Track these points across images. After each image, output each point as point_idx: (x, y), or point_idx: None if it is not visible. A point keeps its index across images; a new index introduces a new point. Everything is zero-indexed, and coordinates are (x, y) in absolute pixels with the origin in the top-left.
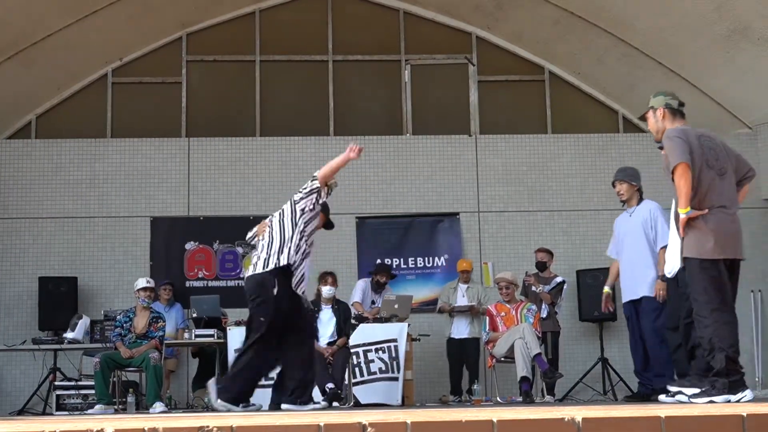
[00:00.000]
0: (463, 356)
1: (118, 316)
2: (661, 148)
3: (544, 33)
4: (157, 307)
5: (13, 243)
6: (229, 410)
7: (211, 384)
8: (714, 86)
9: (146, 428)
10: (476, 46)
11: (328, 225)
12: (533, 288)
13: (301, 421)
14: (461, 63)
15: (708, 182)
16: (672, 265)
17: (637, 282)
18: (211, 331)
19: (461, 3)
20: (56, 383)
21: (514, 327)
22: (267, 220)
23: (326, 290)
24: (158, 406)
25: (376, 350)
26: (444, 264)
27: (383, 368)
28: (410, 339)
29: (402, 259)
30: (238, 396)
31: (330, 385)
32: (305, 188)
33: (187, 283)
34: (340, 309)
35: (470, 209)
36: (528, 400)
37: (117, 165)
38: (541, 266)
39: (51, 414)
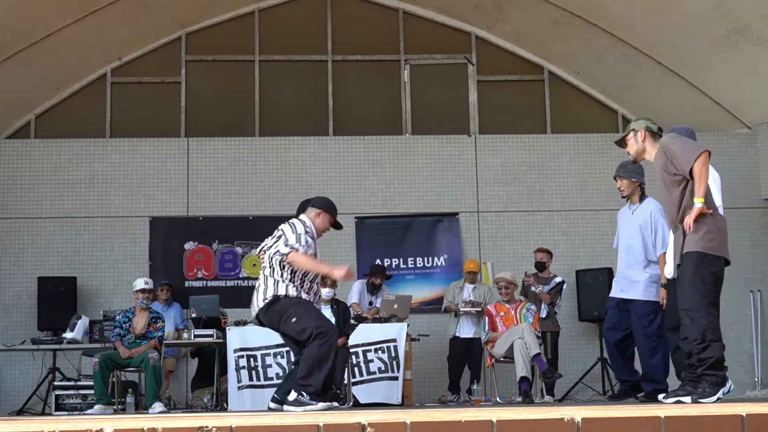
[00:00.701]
0: (467, 356)
1: (117, 317)
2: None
3: (544, 33)
4: (155, 306)
5: (12, 243)
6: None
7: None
8: (713, 86)
9: (145, 428)
10: (476, 45)
11: (336, 226)
12: (532, 288)
13: (300, 421)
14: (461, 63)
15: None
16: (672, 266)
17: (629, 283)
18: (210, 331)
19: (461, 3)
20: (55, 383)
21: (514, 327)
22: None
23: (325, 292)
24: (157, 406)
25: (376, 350)
26: (443, 264)
27: (383, 368)
28: (409, 339)
29: (401, 259)
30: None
31: None
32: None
33: (187, 283)
34: (339, 309)
35: (470, 209)
36: (527, 400)
37: (116, 165)
38: (541, 266)
39: (50, 414)
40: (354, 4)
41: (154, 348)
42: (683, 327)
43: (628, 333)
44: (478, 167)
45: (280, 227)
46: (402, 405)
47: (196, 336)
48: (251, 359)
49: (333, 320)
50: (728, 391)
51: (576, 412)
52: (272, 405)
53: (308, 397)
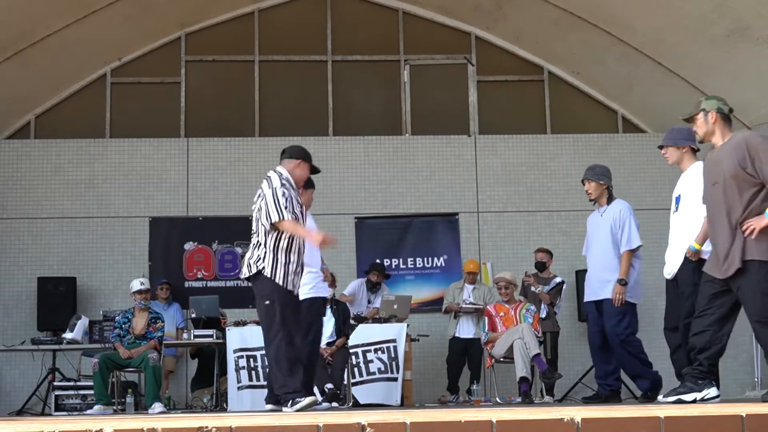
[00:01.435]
0: (467, 356)
1: (117, 317)
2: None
3: (544, 33)
4: (155, 306)
5: (12, 243)
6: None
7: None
8: (713, 86)
9: (145, 428)
10: (475, 46)
11: (314, 171)
12: (532, 288)
13: (300, 422)
14: (460, 63)
15: None
16: (671, 266)
17: (601, 283)
18: (210, 332)
19: (460, 3)
20: (55, 383)
21: (514, 327)
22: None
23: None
24: (157, 406)
25: (375, 350)
26: (443, 264)
27: (382, 368)
28: (409, 339)
29: (401, 260)
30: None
31: (329, 386)
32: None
33: (186, 284)
34: (339, 309)
35: (469, 209)
36: (527, 400)
37: (116, 165)
38: (541, 266)
39: (50, 414)
40: (354, 5)
41: (153, 348)
42: (757, 336)
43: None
44: (478, 167)
45: (261, 186)
46: (402, 405)
47: (195, 336)
48: (251, 360)
49: (332, 320)
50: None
51: (576, 413)
52: (268, 406)
53: (291, 404)
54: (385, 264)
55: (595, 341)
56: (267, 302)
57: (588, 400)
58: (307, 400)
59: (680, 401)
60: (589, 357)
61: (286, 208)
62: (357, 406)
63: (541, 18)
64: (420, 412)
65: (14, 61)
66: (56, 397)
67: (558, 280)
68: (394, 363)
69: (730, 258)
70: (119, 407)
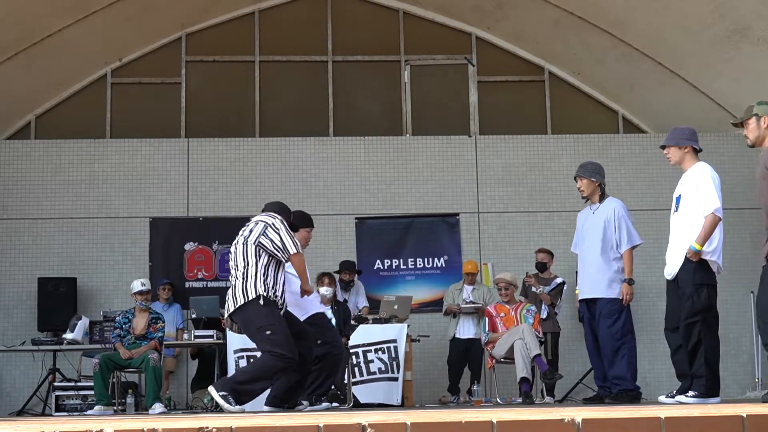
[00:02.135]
0: (468, 356)
1: (118, 317)
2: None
3: (544, 33)
4: (155, 306)
5: (12, 243)
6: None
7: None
8: (714, 87)
9: (145, 429)
10: (476, 46)
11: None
12: (533, 288)
13: (300, 422)
14: (461, 63)
15: None
16: (672, 267)
17: (593, 281)
18: (210, 332)
19: (461, 3)
20: (55, 384)
21: (514, 328)
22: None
23: (323, 290)
24: (157, 406)
25: (376, 350)
26: (444, 265)
27: (383, 368)
28: (410, 340)
29: (401, 260)
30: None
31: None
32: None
33: (187, 284)
34: (340, 309)
35: (470, 210)
36: (528, 401)
37: (116, 165)
38: (541, 267)
39: (50, 415)
40: (354, 5)
41: (154, 349)
42: None
43: None
44: (479, 168)
45: (262, 221)
46: (402, 406)
47: (196, 337)
48: (251, 360)
49: (333, 321)
50: None
51: (576, 413)
52: (266, 408)
53: (232, 401)
54: (386, 264)
55: (592, 343)
56: (268, 332)
57: (589, 402)
58: (237, 408)
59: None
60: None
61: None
62: (357, 406)
63: (541, 18)
64: (420, 412)
65: (15, 62)
66: (57, 397)
67: (559, 280)
68: (394, 363)
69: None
70: (120, 408)
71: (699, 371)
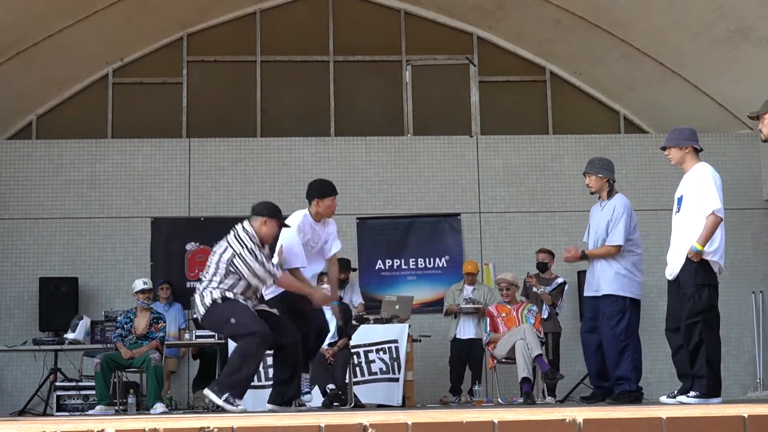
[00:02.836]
0: (468, 357)
1: (119, 317)
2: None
3: (545, 33)
4: (156, 306)
5: (13, 243)
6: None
7: None
8: (715, 87)
9: (147, 429)
10: (477, 46)
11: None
12: (534, 289)
13: (301, 422)
14: (462, 63)
15: None
16: (673, 267)
17: (599, 278)
18: (211, 332)
19: (462, 3)
20: (57, 384)
21: (515, 328)
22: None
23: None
24: (159, 406)
25: (377, 350)
26: (445, 265)
27: (384, 369)
28: (411, 340)
29: (403, 260)
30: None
31: (330, 386)
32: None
33: (188, 284)
34: (341, 310)
35: (471, 210)
36: (529, 401)
37: (118, 165)
38: (543, 267)
39: (52, 415)
40: (355, 5)
41: (155, 348)
42: None
43: None
44: (480, 168)
45: (231, 247)
46: (403, 406)
47: (197, 337)
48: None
49: (334, 321)
50: None
51: (578, 413)
52: (269, 406)
53: (234, 400)
54: (387, 264)
55: (590, 343)
56: (232, 320)
57: (585, 400)
58: (240, 407)
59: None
60: None
61: (273, 266)
62: (358, 406)
63: (542, 18)
64: (422, 412)
65: (16, 62)
66: (58, 397)
67: (560, 280)
68: (395, 363)
69: None
70: (121, 407)
71: (700, 371)
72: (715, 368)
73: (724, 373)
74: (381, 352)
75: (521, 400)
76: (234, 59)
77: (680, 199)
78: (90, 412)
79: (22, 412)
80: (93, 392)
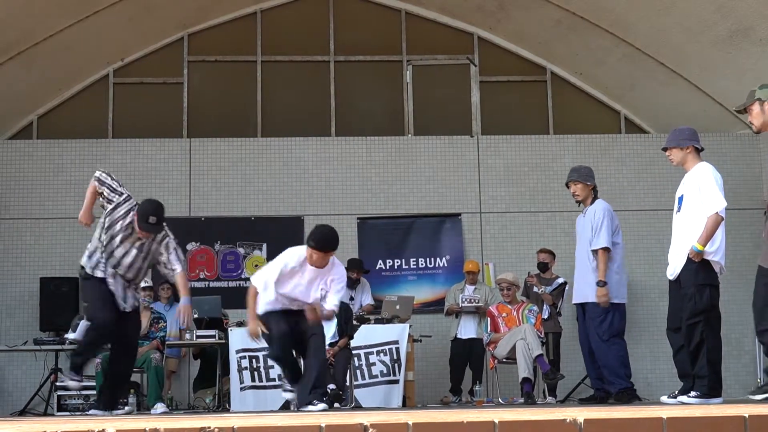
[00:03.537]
0: (469, 357)
1: None
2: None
3: (546, 33)
4: (157, 306)
5: (14, 243)
6: None
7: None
8: (715, 87)
9: (147, 429)
10: (478, 46)
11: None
12: (535, 289)
13: (302, 422)
14: (463, 63)
15: None
16: (674, 267)
17: (584, 285)
18: (212, 332)
19: (463, 3)
20: (57, 384)
21: (516, 328)
22: None
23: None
24: (159, 406)
25: (378, 353)
26: (446, 265)
27: (384, 371)
28: (411, 340)
29: (403, 260)
30: None
31: (331, 386)
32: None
33: (189, 284)
34: (341, 309)
35: (472, 210)
36: (529, 401)
37: (118, 165)
38: (543, 267)
39: (52, 414)
40: (356, 5)
41: (156, 348)
42: None
43: None
44: (481, 168)
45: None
46: (404, 406)
47: (198, 337)
48: (253, 360)
49: (334, 321)
50: None
51: (578, 413)
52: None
53: (71, 374)
54: (387, 264)
55: (586, 347)
56: (86, 304)
57: (584, 402)
58: (74, 383)
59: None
60: None
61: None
62: (359, 408)
63: (543, 19)
64: (422, 412)
65: (16, 62)
66: (59, 397)
67: (560, 280)
68: (396, 365)
69: None
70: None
71: (701, 372)
72: (716, 368)
73: (724, 373)
74: (381, 354)
75: (522, 400)
76: (234, 59)
77: (681, 199)
78: (90, 412)
79: (23, 412)
80: (94, 392)
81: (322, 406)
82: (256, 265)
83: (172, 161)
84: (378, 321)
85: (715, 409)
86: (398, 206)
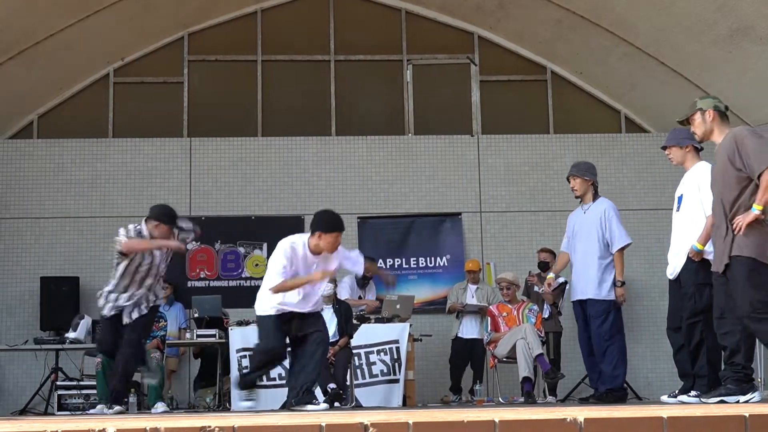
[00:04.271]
0: (470, 356)
1: None
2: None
3: (546, 33)
4: None
5: (14, 243)
6: None
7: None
8: (716, 86)
9: (148, 428)
10: (478, 45)
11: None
12: (535, 288)
13: (302, 422)
14: (463, 63)
15: None
16: (674, 266)
17: (585, 282)
18: (212, 331)
19: (463, 3)
20: (58, 383)
21: (516, 327)
22: None
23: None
24: (160, 406)
25: (378, 352)
26: (446, 264)
27: (384, 371)
28: (412, 339)
29: (404, 259)
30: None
31: (331, 386)
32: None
33: (189, 283)
34: (341, 309)
35: (472, 209)
36: (530, 400)
37: (118, 165)
38: (544, 266)
39: (53, 414)
40: (356, 4)
41: (156, 348)
42: (753, 331)
43: None
44: (481, 167)
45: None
46: (404, 405)
47: (198, 336)
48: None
49: (335, 320)
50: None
51: (579, 413)
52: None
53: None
54: (388, 264)
55: (586, 347)
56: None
57: (584, 401)
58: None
59: (723, 402)
60: None
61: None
62: (359, 408)
63: (544, 18)
64: (422, 412)
65: (17, 61)
66: (59, 396)
67: (561, 280)
68: (396, 364)
69: (722, 254)
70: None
71: (701, 371)
72: (716, 368)
73: None
74: (382, 354)
75: (522, 399)
76: (235, 58)
77: (680, 198)
78: (91, 411)
79: (24, 412)
80: (94, 391)
81: (323, 406)
82: (257, 265)
83: (172, 161)
84: (378, 320)
85: (715, 409)
86: (398, 206)
